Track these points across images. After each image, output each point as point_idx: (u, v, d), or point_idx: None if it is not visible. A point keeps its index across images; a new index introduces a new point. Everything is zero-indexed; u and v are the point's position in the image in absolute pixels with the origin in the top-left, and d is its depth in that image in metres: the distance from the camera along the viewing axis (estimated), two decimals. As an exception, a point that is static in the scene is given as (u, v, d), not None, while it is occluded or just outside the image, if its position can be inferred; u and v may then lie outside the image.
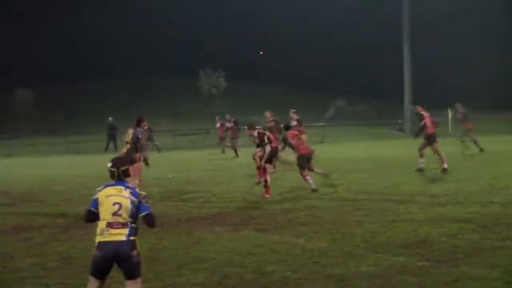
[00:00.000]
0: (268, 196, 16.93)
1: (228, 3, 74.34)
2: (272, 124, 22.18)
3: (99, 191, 7.11)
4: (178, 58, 71.69)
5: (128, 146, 17.18)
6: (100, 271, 6.96)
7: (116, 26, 72.82)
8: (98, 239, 6.91)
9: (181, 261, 10.24)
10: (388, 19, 61.96)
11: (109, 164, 7.27)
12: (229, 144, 34.39)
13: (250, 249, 10.88)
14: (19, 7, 70.78)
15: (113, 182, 7.17)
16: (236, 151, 32.42)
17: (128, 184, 7.18)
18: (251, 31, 71.95)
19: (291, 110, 25.52)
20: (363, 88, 70.42)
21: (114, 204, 6.96)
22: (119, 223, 6.92)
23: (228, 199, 17.12)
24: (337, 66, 74.74)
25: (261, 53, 71.67)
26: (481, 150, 28.23)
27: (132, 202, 7.01)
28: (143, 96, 69.02)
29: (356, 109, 64.67)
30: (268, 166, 17.97)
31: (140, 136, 18.28)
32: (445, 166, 21.11)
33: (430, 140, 21.68)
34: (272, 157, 18.23)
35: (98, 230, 6.94)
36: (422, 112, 22.14)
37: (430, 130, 21.78)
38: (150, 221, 7.14)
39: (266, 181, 17.25)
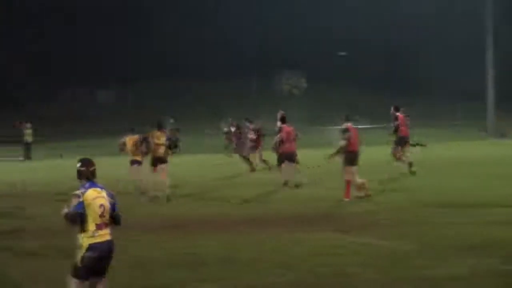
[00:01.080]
0: (347, 199, 16.11)
1: (306, 4, 74.21)
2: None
3: (82, 193, 7.06)
4: (250, 59, 71.66)
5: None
6: (97, 271, 7.08)
7: (188, 27, 73.50)
8: (88, 241, 6.99)
9: (261, 263, 9.93)
10: (468, 16, 60.53)
11: (79, 164, 7.28)
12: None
13: (332, 250, 10.45)
14: (103, 10, 72.16)
15: (84, 183, 7.18)
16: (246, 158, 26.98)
17: (101, 185, 7.28)
18: (327, 32, 71.54)
19: None
20: (441, 88, 69.22)
21: (100, 206, 7.10)
22: (104, 224, 7.13)
23: (302, 201, 16.53)
24: (414, 67, 73.64)
25: (342, 54, 70.75)
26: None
27: (110, 203, 7.20)
28: (216, 97, 69.16)
29: (436, 109, 63.50)
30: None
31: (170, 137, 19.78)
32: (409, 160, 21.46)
33: (401, 142, 21.77)
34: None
35: (87, 233, 7.00)
36: (397, 114, 22.04)
37: (403, 132, 21.89)
38: (119, 219, 7.37)
39: (348, 183, 16.32)
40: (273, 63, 69.46)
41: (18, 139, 37.07)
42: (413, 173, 21.06)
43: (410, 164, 21.43)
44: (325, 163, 17.84)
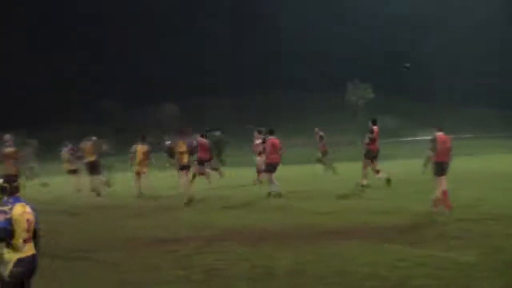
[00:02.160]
0: (448, 209, 15.83)
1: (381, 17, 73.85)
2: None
3: (10, 209, 7.16)
4: (324, 70, 71.61)
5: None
6: (20, 285, 7.19)
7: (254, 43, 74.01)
8: (16, 256, 7.13)
9: (323, 274, 10.11)
10: None
11: (1, 181, 7.37)
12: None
13: (395, 262, 10.58)
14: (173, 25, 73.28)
15: (8, 199, 7.27)
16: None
17: (23, 200, 7.36)
18: (398, 45, 71.12)
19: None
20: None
21: (27, 221, 7.22)
22: (30, 238, 7.25)
23: (364, 210, 16.76)
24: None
25: (407, 65, 70.24)
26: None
27: (34, 217, 7.34)
28: (286, 109, 69.40)
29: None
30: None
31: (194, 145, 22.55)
32: (364, 182, 21.94)
33: (369, 155, 22.18)
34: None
35: (15, 247, 7.12)
36: (374, 128, 22.36)
37: (373, 146, 22.21)
38: (38, 234, 7.46)
39: (444, 193, 16.10)
40: (342, 75, 69.43)
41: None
42: (388, 182, 21.85)
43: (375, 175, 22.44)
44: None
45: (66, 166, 28.05)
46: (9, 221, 7.11)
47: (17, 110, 68.24)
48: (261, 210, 18.19)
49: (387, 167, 31.02)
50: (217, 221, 16.15)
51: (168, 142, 32.61)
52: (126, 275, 10.67)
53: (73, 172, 27.70)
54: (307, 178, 27.79)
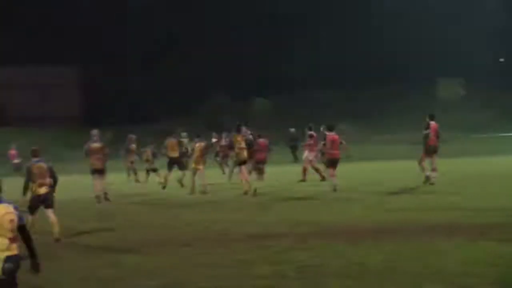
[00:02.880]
0: None
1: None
2: None
3: None
4: (415, 66, 70.46)
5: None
6: (13, 282, 7.21)
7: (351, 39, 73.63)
8: (4, 254, 7.13)
9: (418, 271, 10.03)
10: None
11: None
12: None
13: (492, 260, 10.42)
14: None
15: None
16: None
17: (7, 200, 7.33)
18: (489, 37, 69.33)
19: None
20: None
21: (10, 221, 7.19)
22: (14, 237, 7.23)
23: (454, 207, 16.56)
24: None
25: (501, 60, 68.49)
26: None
27: (18, 216, 7.28)
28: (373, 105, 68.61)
29: None
30: None
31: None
32: (428, 174, 22.32)
33: (428, 151, 22.30)
34: None
35: (2, 247, 7.11)
36: (430, 123, 22.39)
37: (430, 141, 22.22)
38: (26, 231, 7.42)
39: None
40: (432, 70, 68.32)
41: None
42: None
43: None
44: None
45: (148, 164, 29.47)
46: None
47: (129, 104, 69.88)
48: (347, 206, 18.30)
49: (485, 162, 30.53)
50: (307, 218, 16.18)
51: (214, 140, 33.43)
52: (221, 270, 10.82)
53: (153, 171, 28.87)
54: (399, 174, 27.48)
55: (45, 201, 14.45)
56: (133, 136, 30.51)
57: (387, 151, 44.79)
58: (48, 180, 14.35)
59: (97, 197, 21.77)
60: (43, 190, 14.35)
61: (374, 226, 14.42)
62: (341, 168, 23.14)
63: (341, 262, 10.94)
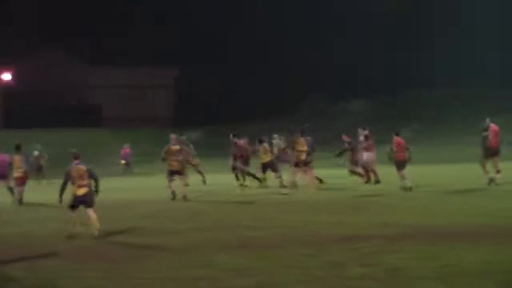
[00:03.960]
0: None
1: None
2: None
3: None
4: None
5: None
6: None
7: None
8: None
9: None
10: None
11: None
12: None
13: None
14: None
15: None
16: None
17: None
18: None
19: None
20: None
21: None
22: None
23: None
24: None
25: None
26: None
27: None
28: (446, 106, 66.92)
29: None
30: None
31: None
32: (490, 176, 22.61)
33: (487, 153, 22.66)
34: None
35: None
36: (490, 125, 22.56)
37: (491, 143, 22.36)
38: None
39: None
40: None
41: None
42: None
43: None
44: None
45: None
46: None
47: (224, 104, 70.54)
48: (428, 207, 18.34)
49: None
50: (393, 219, 16.17)
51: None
52: (312, 271, 10.88)
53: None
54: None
55: (85, 201, 15.22)
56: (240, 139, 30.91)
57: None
58: (87, 182, 15.02)
59: (173, 193, 23.05)
60: (82, 191, 15.04)
61: (461, 229, 14.32)
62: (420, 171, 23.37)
63: (433, 264, 10.85)
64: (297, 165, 24.04)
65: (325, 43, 72.32)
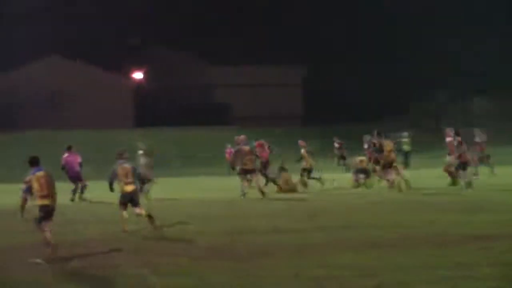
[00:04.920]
0: None
1: None
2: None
3: None
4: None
5: None
6: None
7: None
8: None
9: None
10: None
11: None
12: None
13: None
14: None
15: None
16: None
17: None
18: None
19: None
20: None
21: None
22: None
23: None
24: None
25: None
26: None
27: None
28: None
29: None
30: None
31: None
32: None
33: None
34: None
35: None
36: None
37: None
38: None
39: None
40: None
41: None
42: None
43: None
44: None
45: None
46: None
47: (348, 103, 70.29)
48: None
49: None
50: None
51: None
52: (441, 271, 10.64)
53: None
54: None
55: (133, 199, 15.68)
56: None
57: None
58: (132, 179, 15.54)
59: (243, 194, 23.77)
60: (130, 188, 15.58)
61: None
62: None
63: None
64: (385, 166, 24.55)
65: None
